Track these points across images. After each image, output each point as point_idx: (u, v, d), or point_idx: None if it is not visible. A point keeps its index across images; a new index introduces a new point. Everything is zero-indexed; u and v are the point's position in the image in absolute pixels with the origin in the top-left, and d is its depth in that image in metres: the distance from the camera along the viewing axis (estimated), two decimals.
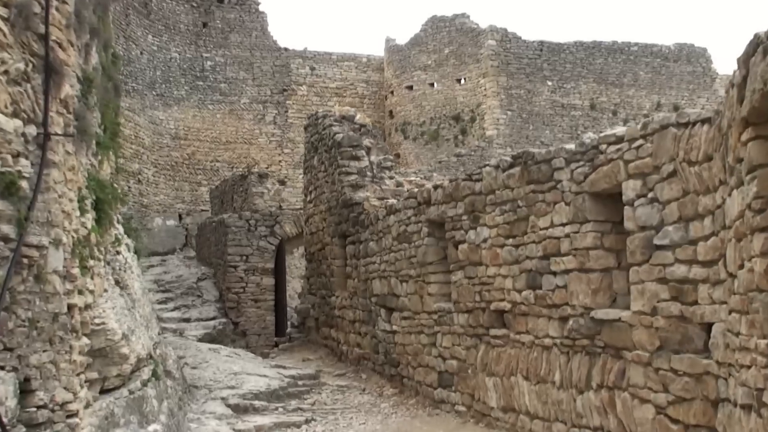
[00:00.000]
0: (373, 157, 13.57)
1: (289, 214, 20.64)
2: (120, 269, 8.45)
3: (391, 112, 36.87)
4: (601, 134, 6.97)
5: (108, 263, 7.83)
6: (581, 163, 7.03)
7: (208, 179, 33.04)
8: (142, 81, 31.87)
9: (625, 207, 6.30)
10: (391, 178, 13.49)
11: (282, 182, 23.58)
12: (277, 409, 10.02)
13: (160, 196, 32.31)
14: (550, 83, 33.90)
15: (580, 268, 7.03)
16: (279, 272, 20.24)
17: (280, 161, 35.05)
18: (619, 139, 6.47)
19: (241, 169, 27.34)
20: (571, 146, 7.25)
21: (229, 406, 9.71)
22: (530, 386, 7.79)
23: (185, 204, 33.35)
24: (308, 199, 15.34)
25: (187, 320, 19.34)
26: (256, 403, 9.98)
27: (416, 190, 10.40)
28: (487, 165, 8.64)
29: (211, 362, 11.71)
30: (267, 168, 34.79)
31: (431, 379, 9.92)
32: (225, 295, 20.03)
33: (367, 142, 13.70)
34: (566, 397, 7.19)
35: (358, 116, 14.24)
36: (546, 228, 7.52)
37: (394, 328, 11.03)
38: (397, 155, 34.15)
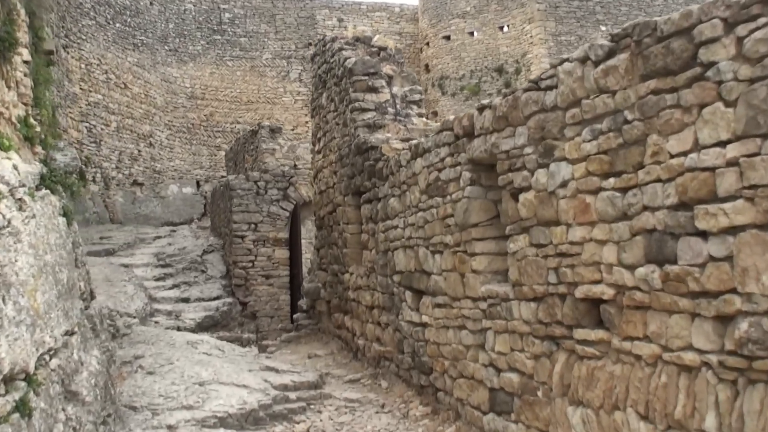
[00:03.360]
0: (395, 89, 10.22)
1: (305, 174, 17.40)
2: None
3: (427, 65, 33.42)
4: None
5: None
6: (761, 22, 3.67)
7: (228, 143, 29.92)
8: (152, 34, 28.81)
9: None
10: (420, 115, 10.14)
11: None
12: None
13: (175, 161, 29.37)
14: (603, 28, 30.15)
15: (763, 224, 3.69)
16: (294, 243, 17.07)
17: (306, 122, 31.78)
18: None
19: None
20: None
21: None
22: None
23: (204, 170, 30.39)
24: (317, 148, 12.05)
25: (186, 300, 16.31)
26: None
27: (452, 118, 7.05)
28: (566, 59, 5.25)
29: (177, 364, 8.55)
30: (292, 130, 31.68)
31: (479, 399, 6.63)
32: (231, 270, 16.95)
33: (387, 69, 10.34)
34: None
35: (376, 38, 10.87)
36: (683, 154, 4.15)
37: (424, 319, 7.75)
38: (435, 113, 30.77)
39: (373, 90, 10.07)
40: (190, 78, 30.38)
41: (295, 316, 13.21)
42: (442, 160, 7.19)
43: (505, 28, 31.58)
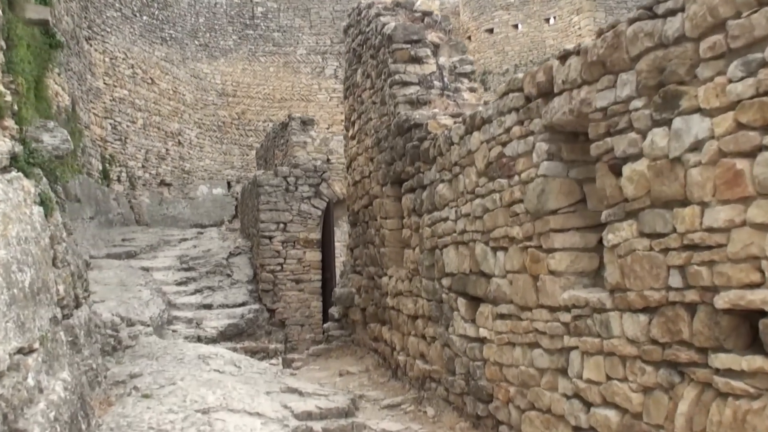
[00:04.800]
0: (442, 59, 8.66)
1: (339, 169, 15.91)
2: None
3: None
4: None
5: None
6: None
7: (260, 142, 28.60)
8: (181, 28, 27.58)
9: None
10: (472, 90, 8.56)
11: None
12: None
13: (205, 161, 28.08)
14: None
15: None
16: (327, 245, 15.56)
17: (342, 120, 30.33)
18: None
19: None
20: None
21: None
22: None
23: (235, 170, 29.04)
24: (350, 133, 10.51)
25: (209, 307, 14.90)
26: None
27: (521, 75, 5.48)
28: None
29: (180, 384, 7.05)
30: (327, 128, 30.23)
31: None
32: (259, 273, 15.48)
33: (433, 36, 8.79)
34: None
35: (419, 2, 9.33)
36: None
37: (482, 333, 6.16)
38: None
39: (417, 60, 8.52)
40: (221, 74, 29.09)
41: (325, 325, 11.67)
42: (508, 130, 5.61)
43: (552, 20, 30.00)
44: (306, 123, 17.19)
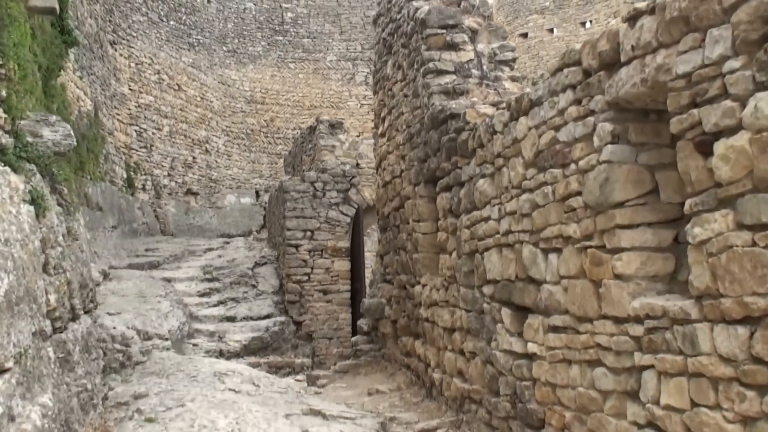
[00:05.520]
0: (481, 46, 7.87)
1: (369, 174, 15.14)
2: None
3: None
4: None
5: None
6: None
7: (289, 149, 27.94)
8: (209, 34, 27.06)
9: None
10: (514, 79, 7.76)
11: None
12: None
13: (232, 169, 27.47)
14: None
15: None
16: (356, 253, 14.80)
17: (373, 128, 29.60)
18: None
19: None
20: None
21: None
22: None
23: (263, 179, 28.39)
24: (380, 131, 9.74)
25: (232, 319, 14.19)
26: None
27: (579, 46, 4.67)
28: None
29: (189, 406, 6.30)
30: (358, 136, 29.50)
31: None
32: (285, 284, 14.74)
33: (470, 21, 8.00)
34: None
35: None
36: None
37: (532, 348, 5.32)
38: None
39: (453, 47, 7.73)
40: (250, 81, 28.51)
41: (353, 339, 10.86)
42: (562, 112, 4.79)
43: (588, 24, 29.05)
44: (334, 126, 16.46)
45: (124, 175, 21.07)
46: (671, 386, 3.81)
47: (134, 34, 22.74)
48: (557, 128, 4.86)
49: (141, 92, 22.82)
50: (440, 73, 7.61)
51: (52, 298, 5.67)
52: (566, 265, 4.80)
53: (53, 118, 7.44)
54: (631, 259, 4.18)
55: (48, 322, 5.50)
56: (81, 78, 17.29)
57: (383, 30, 9.40)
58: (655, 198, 4.20)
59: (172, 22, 24.85)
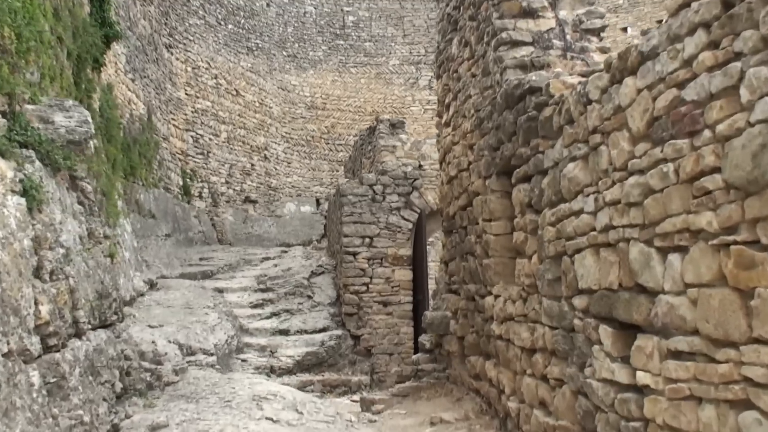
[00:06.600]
0: (563, 12, 6.64)
1: (432, 176, 13.98)
2: None
3: None
4: None
5: None
6: None
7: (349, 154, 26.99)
8: (269, 38, 26.28)
9: None
10: (603, 51, 6.50)
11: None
12: None
13: (292, 177, 26.59)
14: None
15: None
16: (418, 262, 13.63)
17: (437, 134, 28.42)
18: None
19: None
20: None
21: None
22: None
23: (324, 187, 27.42)
24: (444, 119, 8.57)
25: (285, 332, 13.19)
26: None
27: None
28: None
29: None
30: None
31: None
32: (342, 295, 13.66)
33: None
34: None
35: None
36: None
37: (643, 378, 4.06)
38: None
39: (530, 14, 6.54)
40: (310, 86, 27.64)
41: (414, 357, 9.66)
42: (689, 62, 3.56)
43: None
44: (395, 126, 15.33)
45: (180, 182, 20.34)
46: None
47: (191, 38, 22.07)
48: (681, 85, 3.62)
49: (198, 97, 22.13)
50: (515, 44, 6.42)
51: (44, 309, 4.65)
52: (696, 268, 3.55)
53: (69, 102, 6.48)
54: None
55: (35, 339, 4.47)
56: (133, 81, 16.57)
57: (447, 5, 8.24)
58: None
59: (230, 26, 24.14)
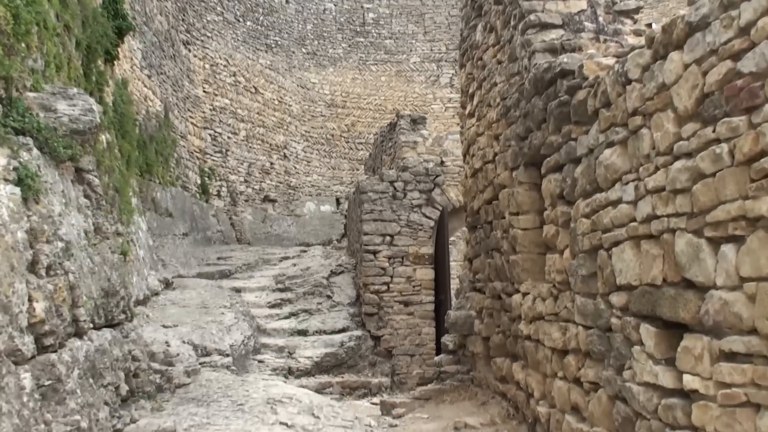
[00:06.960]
0: None
1: (454, 172, 13.61)
2: None
3: None
4: None
5: None
6: None
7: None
8: (288, 35, 26.01)
9: None
10: (638, 33, 6.11)
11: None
12: None
13: (312, 176, 26.29)
14: None
15: None
16: (440, 261, 13.25)
17: (460, 126, 27.98)
18: None
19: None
20: None
21: None
22: None
23: (344, 186, 27.12)
24: (468, 110, 8.19)
25: (303, 333, 12.86)
26: None
27: None
28: None
29: None
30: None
31: None
32: (362, 294, 13.31)
33: None
34: None
35: None
36: None
37: (691, 383, 3.68)
38: None
39: None
40: (330, 84, 27.33)
41: (436, 359, 9.28)
42: (746, 29, 3.17)
43: None
44: (416, 121, 14.96)
45: (198, 181, 20.10)
46: None
47: (209, 35, 21.83)
48: (737, 56, 3.24)
49: (216, 95, 21.89)
50: (544, 27, 6.05)
51: (39, 306, 4.33)
52: (754, 260, 3.16)
53: (73, 90, 6.18)
54: None
55: (28, 338, 4.15)
56: (149, 77, 16.33)
57: None
58: None
59: (248, 23, 23.89)
